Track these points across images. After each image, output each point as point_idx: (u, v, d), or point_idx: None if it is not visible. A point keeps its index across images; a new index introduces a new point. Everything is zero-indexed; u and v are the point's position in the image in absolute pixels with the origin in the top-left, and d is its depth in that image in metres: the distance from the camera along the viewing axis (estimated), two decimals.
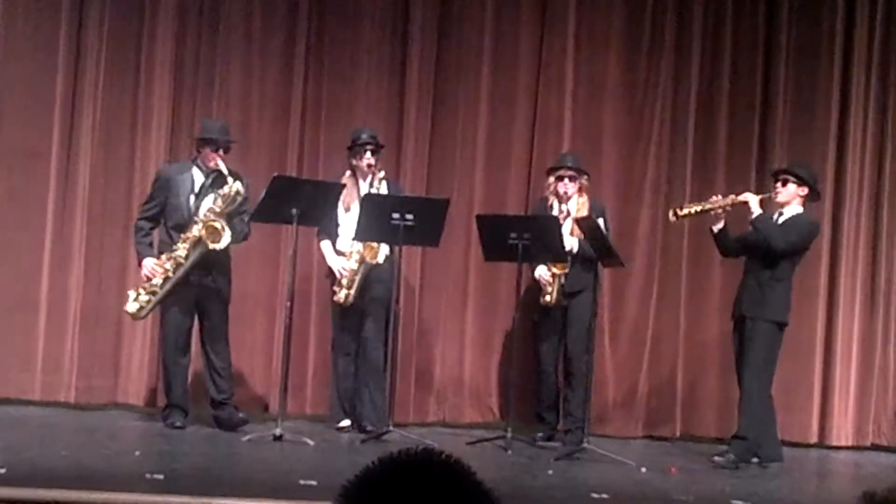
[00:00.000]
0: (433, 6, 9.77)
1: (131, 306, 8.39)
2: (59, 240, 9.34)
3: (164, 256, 8.35)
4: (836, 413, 9.77)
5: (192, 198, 8.43)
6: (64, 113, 9.36)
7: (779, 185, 8.44)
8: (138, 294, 8.37)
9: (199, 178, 8.46)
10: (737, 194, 8.43)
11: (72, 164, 9.37)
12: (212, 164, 8.38)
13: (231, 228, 8.33)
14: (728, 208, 8.30)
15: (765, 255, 8.28)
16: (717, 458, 8.29)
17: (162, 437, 8.23)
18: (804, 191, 8.42)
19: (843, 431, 9.78)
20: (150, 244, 8.49)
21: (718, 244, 8.55)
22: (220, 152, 8.40)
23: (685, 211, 8.33)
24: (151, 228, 8.52)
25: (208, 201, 8.39)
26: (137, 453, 7.54)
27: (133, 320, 8.70)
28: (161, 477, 6.57)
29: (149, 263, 8.36)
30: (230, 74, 9.59)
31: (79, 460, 7.01)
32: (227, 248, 8.42)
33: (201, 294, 8.43)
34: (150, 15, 9.48)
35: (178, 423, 8.40)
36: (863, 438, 9.83)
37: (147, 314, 8.51)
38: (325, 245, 8.85)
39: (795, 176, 8.42)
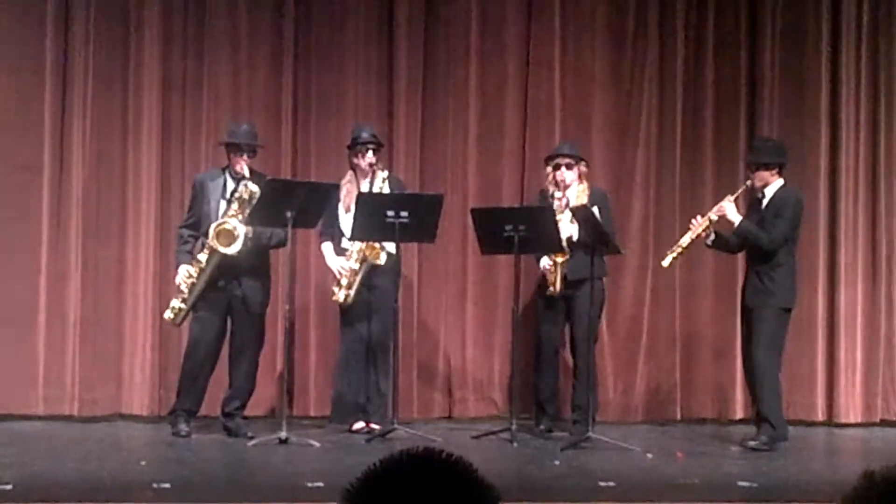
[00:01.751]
0: (419, 2, 9.77)
1: (167, 313, 8.43)
2: (54, 252, 9.32)
3: (193, 262, 8.36)
4: (842, 390, 9.76)
5: (223, 203, 8.42)
6: (54, 125, 9.35)
7: (749, 172, 8.52)
8: (174, 301, 8.40)
9: (230, 184, 8.45)
10: (710, 211, 8.46)
11: (64, 176, 9.36)
12: (238, 169, 8.38)
13: (257, 233, 8.29)
14: (710, 229, 8.36)
15: (759, 248, 8.36)
16: (750, 442, 8.29)
17: (167, 445, 8.23)
18: (776, 168, 8.47)
19: (851, 408, 9.77)
20: (189, 252, 8.47)
21: (720, 250, 8.68)
22: (246, 157, 8.39)
23: (671, 256, 8.42)
24: (191, 236, 8.52)
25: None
26: (143, 463, 7.55)
27: (174, 326, 8.67)
28: (168, 485, 6.58)
29: (181, 271, 8.38)
30: (219, 79, 9.58)
31: (85, 473, 7.02)
32: (265, 255, 8.44)
33: (230, 303, 8.43)
34: (136, 23, 9.46)
35: (182, 432, 8.38)
36: (872, 414, 9.83)
37: (182, 321, 8.50)
38: (326, 247, 8.83)
39: (760, 164, 8.45)
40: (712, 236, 8.46)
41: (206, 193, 8.46)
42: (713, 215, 8.41)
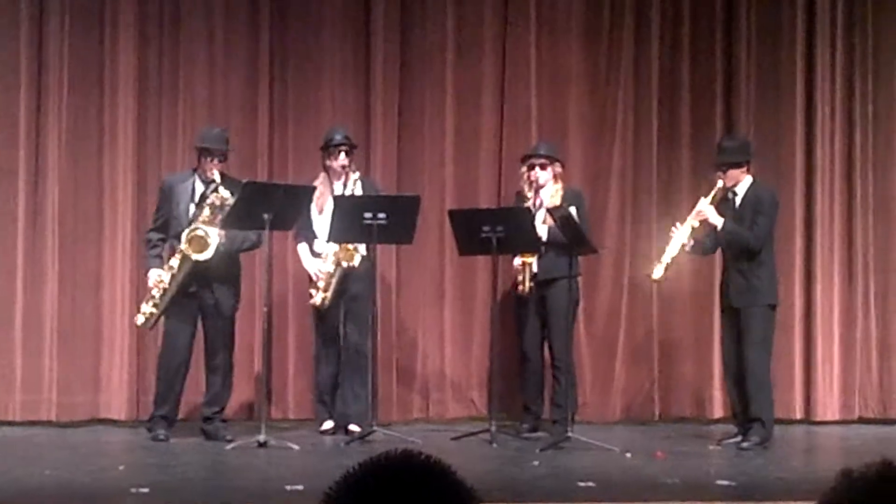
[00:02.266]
0: (395, 4, 9.76)
1: (138, 317, 8.43)
2: (31, 257, 9.29)
3: (165, 267, 8.33)
4: (820, 388, 9.79)
5: (192, 207, 8.39)
6: (29, 129, 9.31)
7: (720, 173, 8.47)
8: (144, 305, 8.37)
9: (199, 187, 8.43)
10: (688, 217, 8.43)
11: (40, 180, 9.32)
12: (209, 174, 8.35)
13: (230, 237, 8.28)
14: (691, 236, 8.36)
15: (745, 247, 8.34)
16: (744, 444, 8.28)
17: (146, 449, 8.21)
18: (745, 165, 8.47)
19: (828, 406, 9.79)
20: (158, 255, 8.45)
21: (697, 255, 8.64)
22: (217, 161, 8.37)
23: (661, 270, 8.37)
24: (160, 239, 8.49)
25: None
26: (122, 468, 7.52)
27: (144, 330, 8.67)
28: (146, 490, 6.55)
29: (152, 275, 8.36)
30: (195, 82, 9.56)
31: (63, 478, 6.99)
32: (235, 259, 8.43)
33: (202, 307, 8.41)
34: (111, 26, 9.44)
35: (161, 436, 8.35)
36: (849, 412, 9.85)
37: (153, 325, 8.49)
38: (302, 248, 8.82)
39: (731, 164, 8.45)
40: (691, 242, 8.45)
41: (174, 196, 8.42)
42: (694, 221, 8.39)
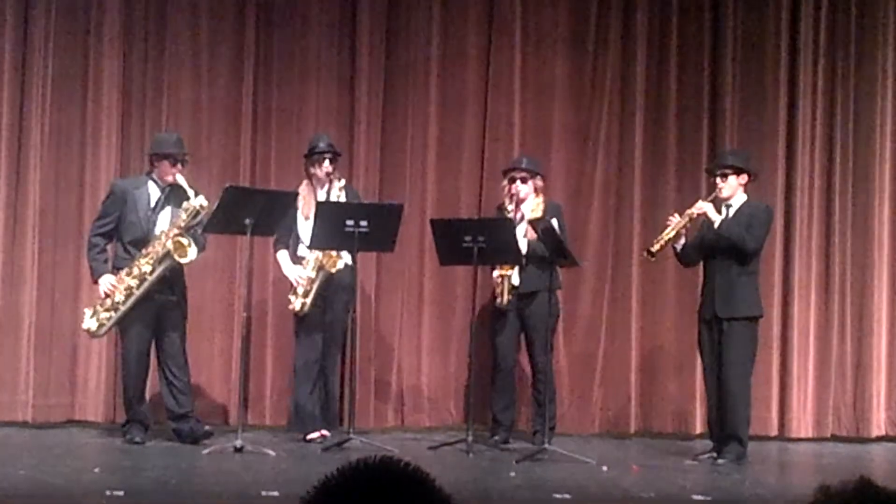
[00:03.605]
0: (380, 13, 9.77)
1: (90, 324, 8.31)
2: (10, 258, 9.27)
3: (123, 272, 8.26)
4: (795, 405, 9.81)
5: (150, 213, 8.37)
6: (11, 129, 9.29)
7: (718, 180, 8.47)
8: (96, 311, 8.29)
9: (155, 192, 8.40)
10: (690, 207, 8.44)
11: (21, 182, 9.30)
12: (169, 179, 8.31)
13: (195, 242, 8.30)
14: (689, 225, 8.37)
15: (732, 253, 8.32)
16: (720, 460, 8.29)
17: (121, 452, 8.18)
18: (745, 178, 8.48)
19: (802, 423, 9.82)
20: (106, 261, 8.41)
21: (681, 259, 8.62)
22: (178, 166, 8.35)
23: (657, 246, 8.37)
24: (106, 244, 8.45)
25: (165, 216, 8.34)
26: (97, 470, 7.48)
27: (92, 338, 8.64)
28: (121, 493, 6.53)
29: (107, 280, 8.28)
30: (179, 86, 9.55)
31: (38, 479, 6.96)
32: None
33: (161, 309, 8.37)
34: (96, 29, 9.42)
35: (137, 439, 8.34)
36: (823, 430, 9.87)
37: (107, 332, 8.45)
38: (282, 255, 8.82)
39: (733, 168, 8.47)
40: (683, 240, 8.44)
41: (130, 202, 8.36)
42: (693, 211, 8.36)
